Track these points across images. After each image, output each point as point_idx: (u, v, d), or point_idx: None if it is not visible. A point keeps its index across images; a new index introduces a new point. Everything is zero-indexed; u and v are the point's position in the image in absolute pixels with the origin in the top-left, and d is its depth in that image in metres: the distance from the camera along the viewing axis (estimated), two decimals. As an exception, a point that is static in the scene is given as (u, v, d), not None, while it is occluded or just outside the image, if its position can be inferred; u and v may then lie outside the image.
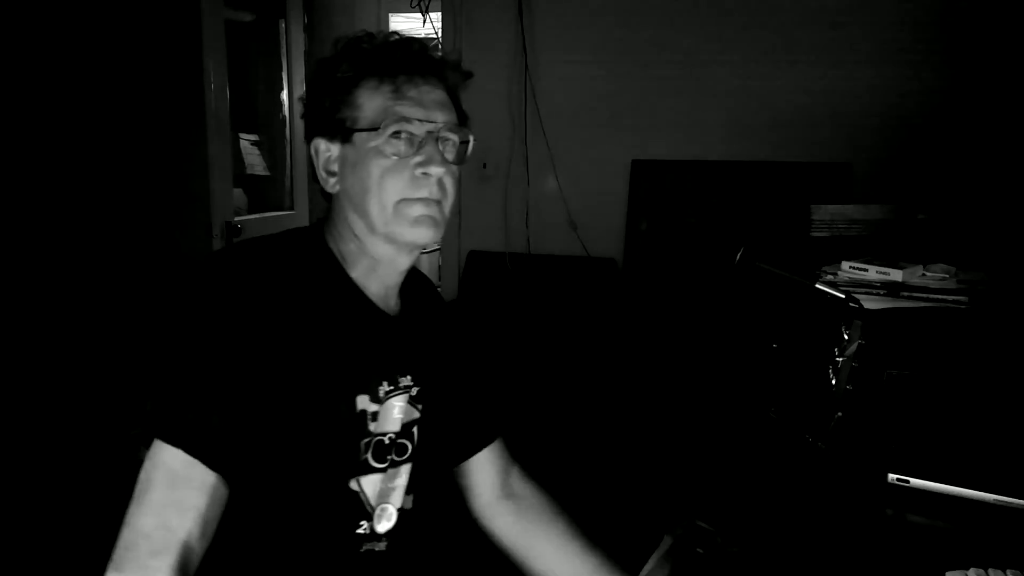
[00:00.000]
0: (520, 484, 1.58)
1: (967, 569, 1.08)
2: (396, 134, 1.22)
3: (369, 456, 1.27)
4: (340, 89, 1.26)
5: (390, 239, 1.26)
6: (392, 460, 1.31)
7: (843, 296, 1.68)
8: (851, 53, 3.18)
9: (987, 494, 1.37)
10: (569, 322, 3.46)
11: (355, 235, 1.29)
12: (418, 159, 1.22)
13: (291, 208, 4.08)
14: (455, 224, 3.71)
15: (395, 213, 1.23)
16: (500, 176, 3.72)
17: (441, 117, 1.25)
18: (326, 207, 1.36)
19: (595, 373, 3.24)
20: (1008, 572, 1.07)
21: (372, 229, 1.25)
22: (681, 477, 2.09)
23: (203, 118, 3.20)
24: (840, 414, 1.61)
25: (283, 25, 4.01)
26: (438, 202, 1.26)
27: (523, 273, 3.65)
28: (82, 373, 2.94)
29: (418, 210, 1.23)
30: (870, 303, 1.73)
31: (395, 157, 1.22)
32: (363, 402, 1.25)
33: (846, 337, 1.63)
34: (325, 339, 1.21)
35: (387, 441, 1.29)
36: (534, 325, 3.46)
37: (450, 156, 1.28)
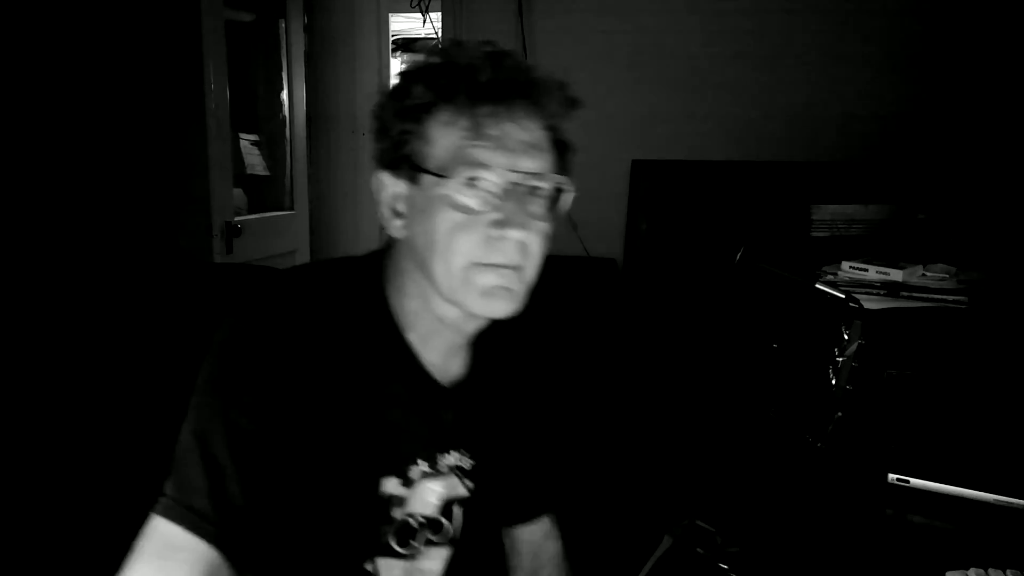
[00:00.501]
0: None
1: (967, 569, 1.08)
2: (470, 182, 0.99)
3: (392, 539, 1.13)
4: (410, 116, 1.03)
5: (456, 305, 1.05)
6: (426, 540, 1.16)
7: (843, 296, 1.68)
8: (851, 53, 3.18)
9: (987, 494, 1.38)
10: (569, 322, 3.45)
11: (419, 291, 1.08)
12: (495, 217, 0.99)
13: (291, 208, 4.08)
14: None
15: (463, 279, 1.01)
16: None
17: (529, 164, 1.01)
18: (386, 241, 1.16)
19: (595, 373, 3.24)
20: (1008, 572, 1.07)
21: (437, 291, 1.05)
22: (681, 477, 2.10)
23: (203, 118, 3.20)
24: (840, 414, 1.62)
25: (283, 25, 4.01)
26: (516, 269, 1.03)
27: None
28: (79, 373, 2.94)
29: (491, 279, 1.01)
30: (870, 303, 1.74)
31: (467, 211, 1.00)
32: (390, 486, 1.10)
33: (846, 337, 1.63)
34: (360, 410, 1.06)
35: (415, 524, 1.14)
36: (537, 325, 3.46)
37: (538, 212, 1.04)
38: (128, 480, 1.15)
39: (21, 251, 2.93)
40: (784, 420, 1.78)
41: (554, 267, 3.48)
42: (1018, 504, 1.34)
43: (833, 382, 1.64)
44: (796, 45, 3.24)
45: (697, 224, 3.28)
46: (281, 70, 4.05)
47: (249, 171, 3.93)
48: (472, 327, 1.11)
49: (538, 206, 1.04)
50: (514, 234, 0.99)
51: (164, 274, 3.26)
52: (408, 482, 1.11)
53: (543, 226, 1.05)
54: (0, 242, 2.85)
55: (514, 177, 0.99)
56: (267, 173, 4.08)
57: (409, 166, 1.03)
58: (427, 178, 1.01)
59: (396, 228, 1.08)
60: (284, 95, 4.07)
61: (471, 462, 1.19)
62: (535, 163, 1.01)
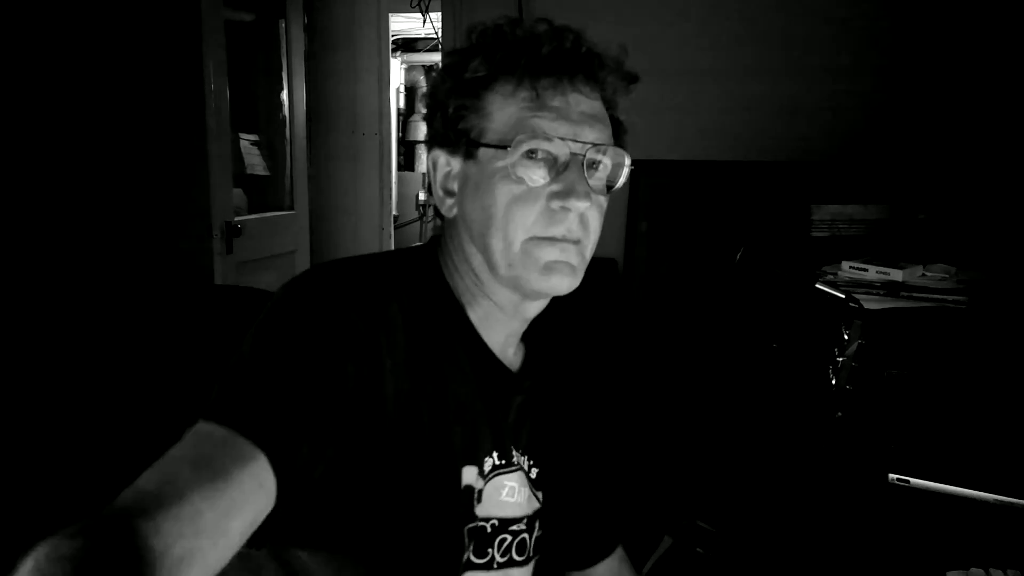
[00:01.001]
0: None
1: (968, 569, 1.08)
2: (531, 154, 0.96)
3: (470, 550, 1.03)
4: (467, 91, 1.00)
5: (515, 285, 1.01)
6: (509, 559, 1.07)
7: (843, 296, 1.68)
8: (851, 53, 3.18)
9: (987, 494, 1.37)
10: (570, 322, 3.45)
11: (473, 272, 1.05)
12: (556, 188, 0.96)
13: (291, 208, 4.08)
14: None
15: (523, 254, 0.98)
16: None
17: (591, 135, 0.98)
18: (440, 227, 1.12)
19: (595, 372, 3.24)
20: (1009, 572, 1.07)
21: (493, 269, 1.01)
22: (681, 478, 2.09)
23: (203, 118, 3.20)
24: (840, 414, 1.62)
25: (283, 25, 4.01)
26: (577, 243, 1.00)
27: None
28: (81, 374, 2.94)
29: (551, 253, 0.98)
30: (870, 303, 1.73)
31: (528, 183, 0.97)
32: (469, 475, 1.02)
33: (846, 337, 1.63)
34: (438, 391, 0.99)
35: (489, 529, 1.05)
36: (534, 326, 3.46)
37: (597, 185, 1.00)
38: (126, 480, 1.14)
39: (21, 251, 2.94)
40: (784, 420, 1.78)
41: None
42: (1018, 504, 1.34)
43: (833, 382, 1.64)
44: (795, 46, 3.24)
45: (697, 224, 3.28)
46: (281, 70, 4.05)
47: (249, 171, 3.94)
48: (531, 311, 1.08)
49: (597, 179, 1.01)
50: (577, 205, 0.96)
51: (164, 273, 3.26)
52: (483, 473, 1.04)
53: (602, 200, 1.02)
54: (1, 242, 2.86)
55: (576, 148, 0.97)
56: (267, 173, 4.08)
57: (466, 142, 1.00)
58: (485, 152, 0.99)
59: (448, 207, 1.05)
60: (284, 95, 4.07)
61: (536, 469, 1.12)
62: (597, 134, 0.99)
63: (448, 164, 1.04)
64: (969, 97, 3.03)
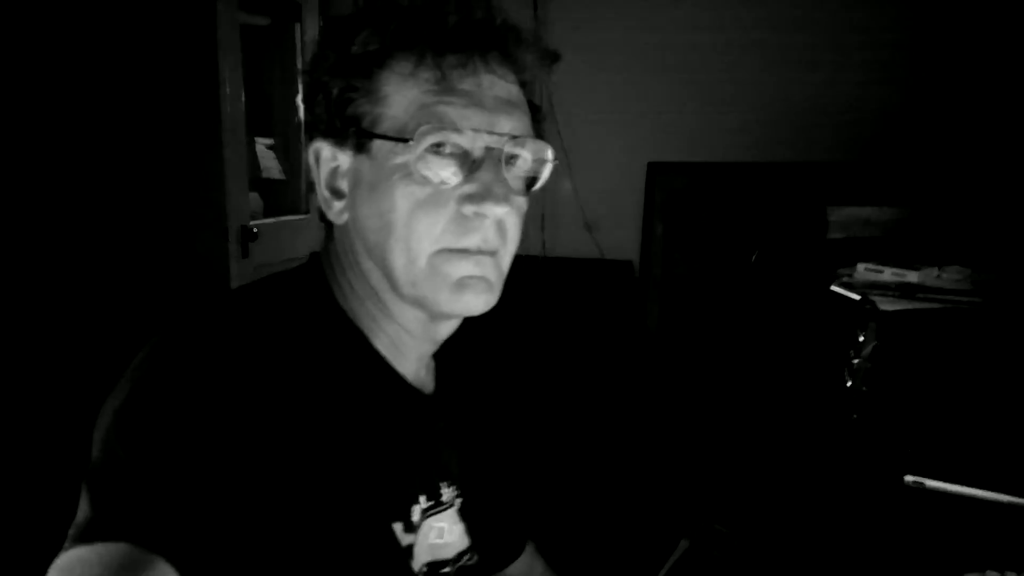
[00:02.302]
0: None
1: (984, 571, 1.07)
2: (437, 148, 0.79)
3: None
4: (355, 69, 0.81)
5: (421, 305, 0.84)
6: None
7: (858, 298, 1.68)
8: (869, 55, 3.17)
9: (1005, 495, 1.37)
10: (586, 324, 3.45)
11: (374, 292, 0.87)
12: (468, 190, 0.79)
13: (306, 212, 4.09)
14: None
15: (429, 270, 0.81)
16: (514, 179, 3.71)
17: (508, 124, 0.81)
18: (325, 238, 0.92)
19: (612, 375, 3.24)
20: (1025, 574, 1.06)
21: (395, 288, 0.84)
22: (698, 481, 2.09)
23: (218, 122, 3.21)
24: (856, 416, 1.61)
25: (298, 29, 4.02)
26: (493, 254, 0.84)
27: (539, 276, 3.65)
28: (98, 376, 2.95)
29: (464, 268, 0.81)
30: (885, 305, 1.73)
31: (433, 184, 0.79)
32: (399, 532, 0.86)
33: (861, 339, 1.63)
34: (351, 444, 0.81)
35: None
36: (552, 328, 3.46)
37: (516, 184, 0.83)
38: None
39: (39, 253, 2.95)
40: (800, 423, 1.77)
41: (570, 269, 3.49)
42: (1035, 506, 1.33)
43: (848, 384, 1.63)
44: (809, 47, 3.24)
45: (713, 226, 3.28)
46: (296, 74, 4.06)
47: (264, 175, 3.95)
48: (442, 332, 0.91)
49: (516, 178, 0.83)
50: (494, 210, 0.79)
51: (180, 278, 3.28)
52: (411, 525, 0.87)
53: (522, 203, 0.85)
54: (14, 244, 2.88)
55: (491, 141, 0.80)
56: (283, 177, 4.09)
57: (357, 132, 0.82)
58: (380, 146, 0.81)
59: (336, 211, 0.86)
60: (299, 99, 4.08)
61: (461, 499, 0.96)
62: (515, 124, 0.82)
63: (335, 158, 0.85)
64: (985, 100, 3.02)
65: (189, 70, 3.22)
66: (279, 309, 0.83)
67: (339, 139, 0.84)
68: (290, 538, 0.74)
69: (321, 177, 0.86)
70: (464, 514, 0.96)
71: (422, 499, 0.89)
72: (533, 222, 3.72)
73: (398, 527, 0.85)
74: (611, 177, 3.59)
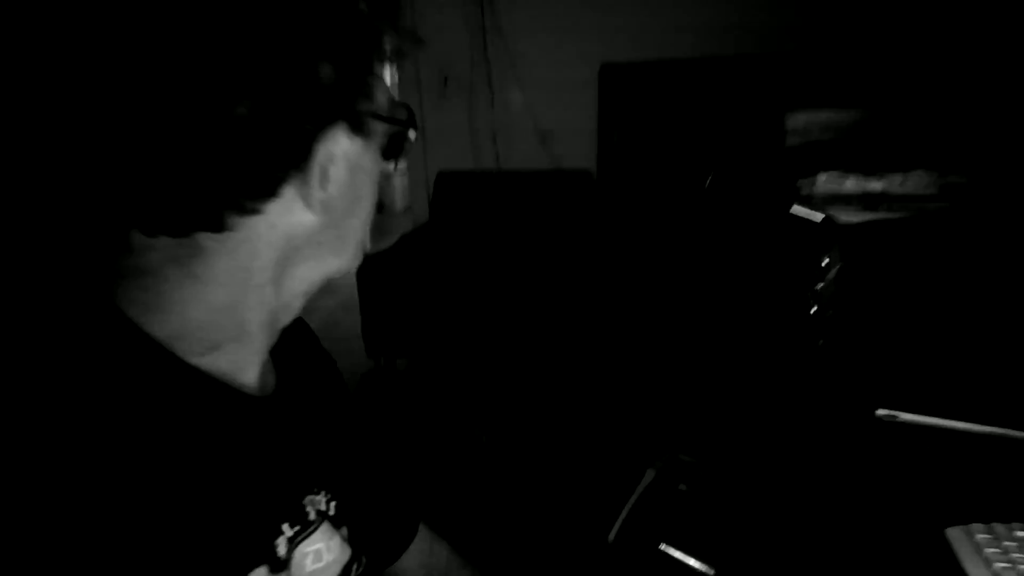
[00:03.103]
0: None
1: (968, 524, 1.01)
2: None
3: None
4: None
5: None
6: None
7: (820, 219, 1.61)
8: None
9: (984, 426, 1.31)
10: (545, 239, 3.37)
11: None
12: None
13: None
14: (420, 145, 3.59)
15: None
16: (462, 91, 3.59)
17: None
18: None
19: (574, 297, 3.19)
20: (1015, 525, 0.99)
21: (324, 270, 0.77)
22: (663, 410, 2.05)
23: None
24: (822, 341, 1.55)
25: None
26: None
27: (494, 190, 3.55)
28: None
29: None
30: (849, 216, 1.66)
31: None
32: None
33: (825, 262, 1.56)
34: (200, 494, 0.67)
35: None
36: (510, 244, 3.38)
37: None
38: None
39: (37, 256, 2.84)
40: (764, 350, 1.72)
41: (526, 182, 3.38)
42: (1017, 436, 1.28)
43: (814, 310, 1.57)
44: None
45: (671, 130, 3.17)
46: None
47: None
48: (286, 319, 0.80)
49: None
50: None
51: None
52: (279, 565, 0.74)
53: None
54: (18, 246, 2.76)
55: None
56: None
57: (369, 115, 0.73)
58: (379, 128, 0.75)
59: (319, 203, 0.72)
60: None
61: (334, 502, 0.85)
62: None
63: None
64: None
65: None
66: (83, 386, 0.64)
67: (356, 126, 0.73)
68: None
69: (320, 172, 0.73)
70: (340, 519, 0.85)
71: (285, 528, 0.75)
72: (485, 135, 3.61)
73: (261, 573, 0.71)
74: (563, 82, 3.47)
